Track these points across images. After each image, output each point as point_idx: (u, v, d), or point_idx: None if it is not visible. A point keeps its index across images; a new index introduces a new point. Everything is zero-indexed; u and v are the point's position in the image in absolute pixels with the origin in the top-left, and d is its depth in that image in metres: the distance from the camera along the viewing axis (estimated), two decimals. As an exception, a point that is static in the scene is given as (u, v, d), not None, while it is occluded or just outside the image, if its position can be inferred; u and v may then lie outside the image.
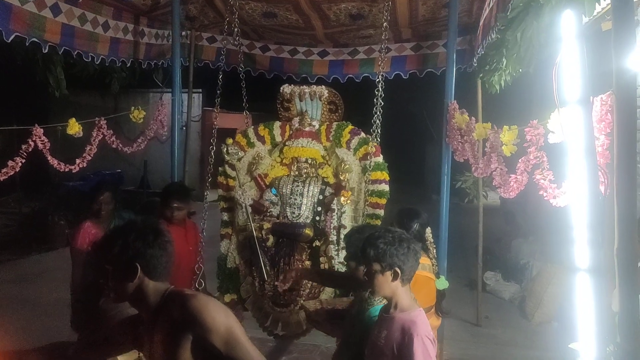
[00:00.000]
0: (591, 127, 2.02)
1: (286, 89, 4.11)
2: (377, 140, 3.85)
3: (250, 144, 4.19)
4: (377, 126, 3.83)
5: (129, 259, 1.83)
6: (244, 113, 4.66)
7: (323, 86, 4.10)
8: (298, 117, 4.14)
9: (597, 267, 2.00)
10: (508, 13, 3.11)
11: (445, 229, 4.41)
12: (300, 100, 4.11)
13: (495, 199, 10.40)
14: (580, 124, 2.01)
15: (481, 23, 4.27)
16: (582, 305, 2.05)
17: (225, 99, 4.29)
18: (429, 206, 3.88)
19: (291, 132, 4.13)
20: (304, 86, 4.12)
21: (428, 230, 3.36)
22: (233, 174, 4.08)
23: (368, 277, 2.27)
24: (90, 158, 4.23)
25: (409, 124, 16.49)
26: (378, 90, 3.79)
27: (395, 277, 2.21)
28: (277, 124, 4.24)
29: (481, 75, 5.48)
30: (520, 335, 5.86)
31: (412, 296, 2.31)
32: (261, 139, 4.21)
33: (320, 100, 4.07)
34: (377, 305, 2.50)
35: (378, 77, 3.88)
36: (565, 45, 2.07)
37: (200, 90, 13.69)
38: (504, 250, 7.90)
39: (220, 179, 4.19)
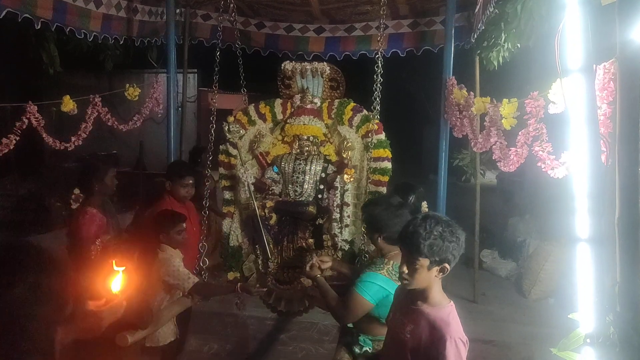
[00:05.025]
0: (593, 95, 1.99)
1: (287, 65, 4.04)
2: (377, 117, 3.82)
3: (252, 122, 4.14)
4: (377, 103, 3.79)
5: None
6: (241, 91, 4.60)
7: (324, 63, 4.04)
8: (299, 95, 4.08)
9: (598, 236, 1.99)
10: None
11: (442, 206, 4.42)
12: (302, 78, 4.05)
13: (492, 178, 10.42)
14: (582, 93, 1.98)
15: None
16: (581, 275, 2.05)
17: (221, 80, 4.22)
18: (426, 186, 3.86)
19: (292, 109, 4.07)
20: (306, 63, 4.06)
21: (424, 204, 3.37)
22: (234, 152, 4.04)
23: (409, 269, 2.07)
24: (85, 136, 4.18)
25: (406, 103, 16.42)
26: (378, 67, 3.75)
27: (442, 272, 2.09)
28: (279, 101, 4.19)
29: (479, 51, 5.43)
30: (516, 311, 5.91)
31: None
32: (262, 116, 4.16)
33: (322, 77, 4.02)
34: (374, 272, 2.54)
35: (376, 54, 3.83)
36: (568, 13, 2.03)
37: (196, 70, 13.56)
38: (501, 228, 7.94)
39: (222, 157, 4.14)
